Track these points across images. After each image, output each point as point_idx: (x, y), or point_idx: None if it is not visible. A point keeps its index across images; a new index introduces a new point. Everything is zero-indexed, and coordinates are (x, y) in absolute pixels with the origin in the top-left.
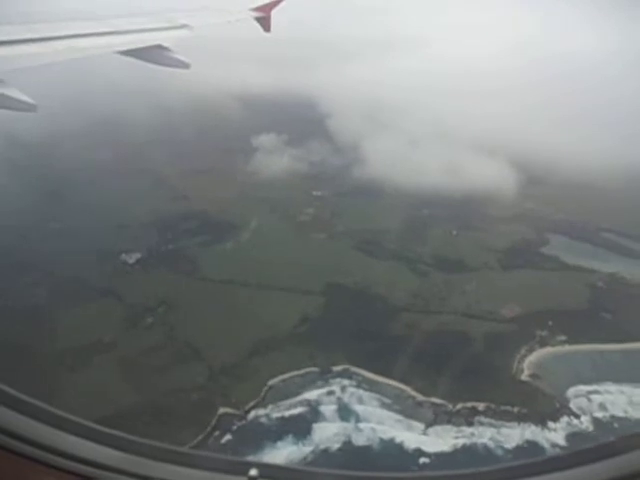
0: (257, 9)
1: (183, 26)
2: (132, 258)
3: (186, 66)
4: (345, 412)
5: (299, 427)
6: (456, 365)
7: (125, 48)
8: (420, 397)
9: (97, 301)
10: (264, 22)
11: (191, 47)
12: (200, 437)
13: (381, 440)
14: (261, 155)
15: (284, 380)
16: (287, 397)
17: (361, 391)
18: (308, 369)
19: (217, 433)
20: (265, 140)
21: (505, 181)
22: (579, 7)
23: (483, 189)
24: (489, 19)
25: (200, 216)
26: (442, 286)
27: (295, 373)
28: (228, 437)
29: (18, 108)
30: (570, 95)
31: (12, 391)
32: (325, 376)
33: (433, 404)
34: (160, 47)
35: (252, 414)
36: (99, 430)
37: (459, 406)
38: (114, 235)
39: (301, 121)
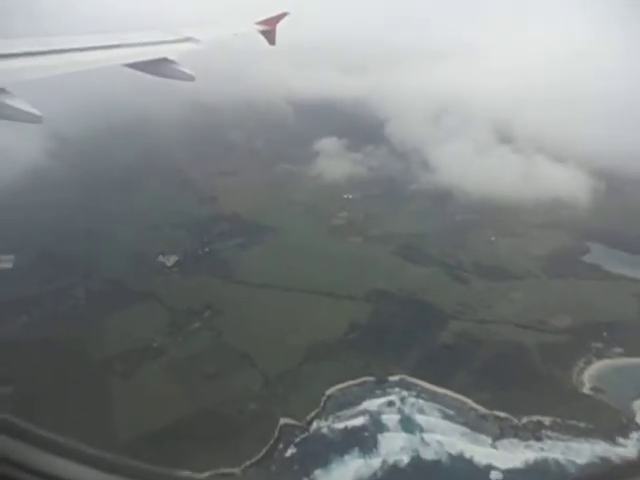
0: (262, 23)
1: (188, 39)
2: (170, 261)
3: (191, 78)
4: (408, 423)
5: (364, 439)
6: (514, 376)
7: (131, 61)
8: (483, 410)
9: (138, 304)
10: (269, 36)
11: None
12: (265, 450)
13: (450, 454)
14: (322, 159)
15: (342, 389)
16: (346, 407)
17: (421, 402)
18: (364, 378)
19: (281, 446)
20: (326, 144)
21: (576, 188)
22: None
23: (553, 195)
24: (540, 30)
25: (232, 218)
26: (486, 294)
27: (352, 382)
28: (292, 450)
29: (24, 119)
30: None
31: (14, 419)
32: (382, 385)
33: (497, 417)
34: (166, 60)
35: (314, 425)
36: (99, 456)
37: (524, 420)
38: (147, 237)
39: (360, 125)
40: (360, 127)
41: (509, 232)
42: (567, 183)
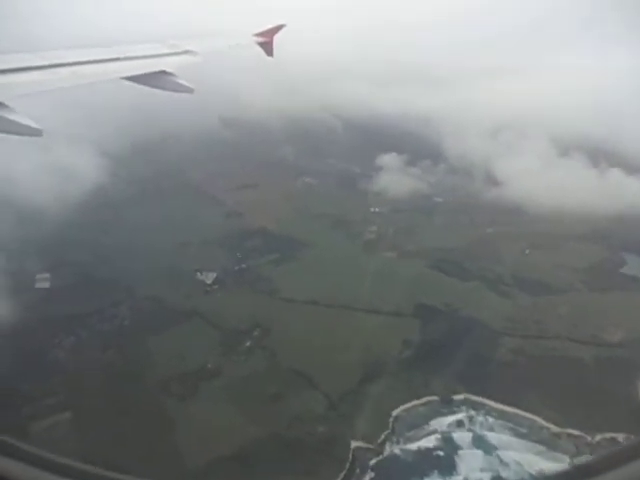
0: (260, 34)
1: (186, 52)
2: (209, 278)
3: (190, 91)
4: (481, 442)
5: (440, 460)
6: (578, 393)
7: (129, 74)
8: (554, 428)
9: (184, 323)
10: (267, 47)
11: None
12: (342, 475)
13: (531, 475)
14: (385, 174)
15: (407, 409)
16: (415, 427)
17: (491, 420)
18: (428, 397)
19: (358, 470)
20: (387, 160)
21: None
22: None
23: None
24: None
25: (261, 233)
26: (532, 309)
27: (416, 402)
28: (371, 474)
29: (23, 133)
30: None
31: (10, 440)
32: (447, 405)
33: (570, 435)
34: (164, 73)
35: (386, 448)
36: (100, 475)
37: (598, 437)
38: (180, 253)
39: (416, 140)
40: (416, 143)
41: (542, 244)
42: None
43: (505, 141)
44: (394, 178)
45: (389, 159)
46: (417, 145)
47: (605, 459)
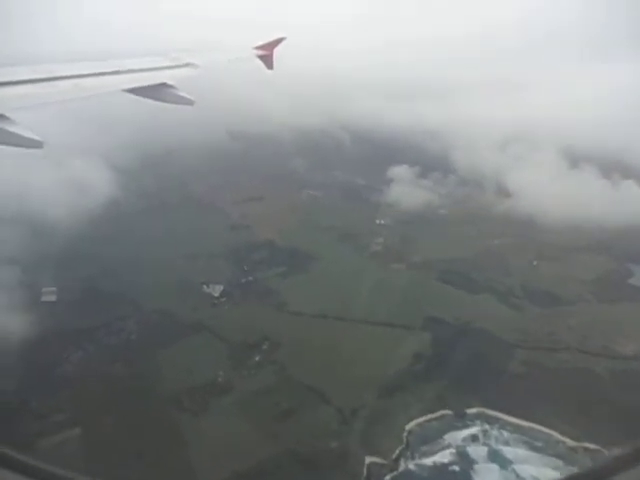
0: (259, 47)
1: (187, 65)
2: (216, 290)
3: (190, 103)
4: (497, 456)
5: (456, 476)
6: (593, 406)
7: (131, 86)
8: (570, 442)
9: (192, 337)
10: (266, 60)
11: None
12: None
13: None
14: (396, 186)
15: (420, 424)
16: (429, 442)
17: (506, 434)
18: (442, 411)
19: None
20: (399, 171)
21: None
22: None
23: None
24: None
25: (268, 245)
26: (543, 320)
27: (430, 416)
28: None
29: (24, 145)
30: None
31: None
32: (461, 419)
33: (587, 449)
34: (165, 85)
35: (401, 463)
36: None
37: (615, 451)
38: (186, 265)
39: (426, 153)
40: (426, 156)
41: (549, 256)
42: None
43: (515, 153)
44: (405, 190)
45: (400, 171)
46: (427, 158)
47: (615, 461)
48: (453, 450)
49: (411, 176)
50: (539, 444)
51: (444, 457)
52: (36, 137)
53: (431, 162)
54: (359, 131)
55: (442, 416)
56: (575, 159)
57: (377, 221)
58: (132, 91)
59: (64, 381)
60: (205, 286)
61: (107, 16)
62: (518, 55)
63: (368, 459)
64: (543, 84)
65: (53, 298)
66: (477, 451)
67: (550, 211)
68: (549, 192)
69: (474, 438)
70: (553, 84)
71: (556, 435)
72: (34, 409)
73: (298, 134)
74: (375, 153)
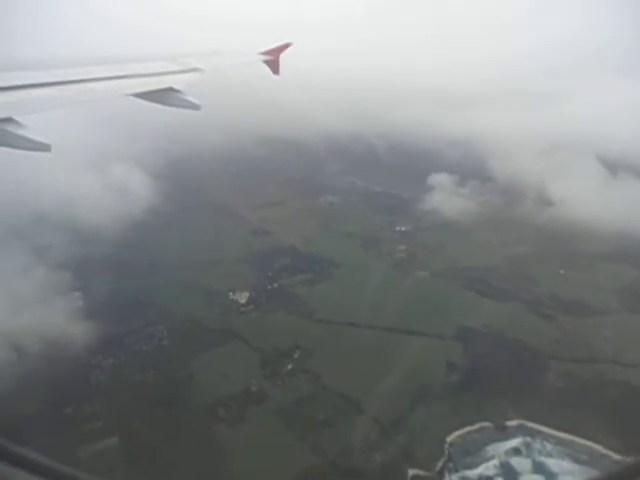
0: (266, 53)
1: (194, 69)
2: (242, 297)
3: (196, 107)
4: (542, 469)
5: None
6: (636, 419)
7: (138, 91)
8: (615, 455)
9: (223, 344)
10: (273, 65)
11: None
12: None
13: None
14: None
15: (461, 436)
16: (471, 454)
17: (549, 447)
18: (481, 424)
19: None
20: (439, 179)
21: None
22: None
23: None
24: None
25: (290, 251)
26: (577, 331)
27: (470, 428)
28: None
29: (33, 148)
30: None
31: (11, 446)
32: (502, 431)
33: None
34: (172, 90)
35: (445, 476)
36: None
37: None
38: (210, 272)
39: (462, 162)
40: (462, 164)
41: (576, 264)
42: None
43: (556, 162)
44: (443, 197)
45: (441, 179)
46: (464, 166)
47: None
48: (496, 462)
49: (449, 184)
50: (583, 457)
51: (488, 469)
52: (44, 140)
53: (469, 170)
54: (394, 138)
55: (482, 428)
56: (614, 168)
57: (397, 228)
58: (139, 95)
59: (99, 391)
60: (231, 292)
61: (114, 17)
62: (559, 70)
63: (411, 471)
64: (581, 96)
65: (79, 303)
66: (521, 463)
67: (591, 220)
68: (591, 201)
69: (517, 451)
70: (591, 97)
71: (599, 448)
72: (70, 417)
73: (330, 141)
74: (408, 162)
